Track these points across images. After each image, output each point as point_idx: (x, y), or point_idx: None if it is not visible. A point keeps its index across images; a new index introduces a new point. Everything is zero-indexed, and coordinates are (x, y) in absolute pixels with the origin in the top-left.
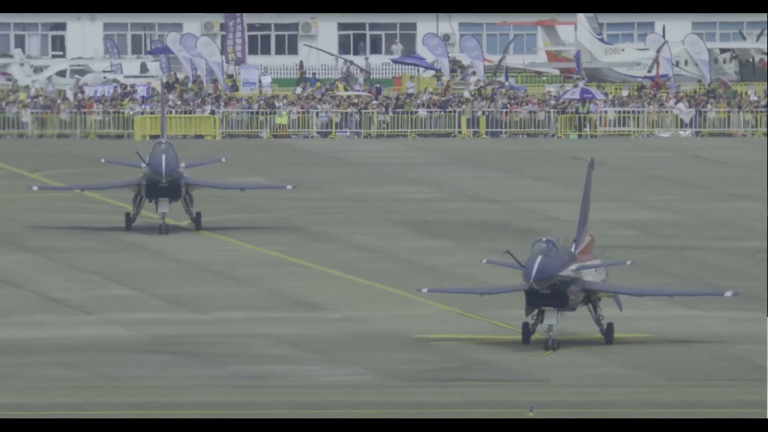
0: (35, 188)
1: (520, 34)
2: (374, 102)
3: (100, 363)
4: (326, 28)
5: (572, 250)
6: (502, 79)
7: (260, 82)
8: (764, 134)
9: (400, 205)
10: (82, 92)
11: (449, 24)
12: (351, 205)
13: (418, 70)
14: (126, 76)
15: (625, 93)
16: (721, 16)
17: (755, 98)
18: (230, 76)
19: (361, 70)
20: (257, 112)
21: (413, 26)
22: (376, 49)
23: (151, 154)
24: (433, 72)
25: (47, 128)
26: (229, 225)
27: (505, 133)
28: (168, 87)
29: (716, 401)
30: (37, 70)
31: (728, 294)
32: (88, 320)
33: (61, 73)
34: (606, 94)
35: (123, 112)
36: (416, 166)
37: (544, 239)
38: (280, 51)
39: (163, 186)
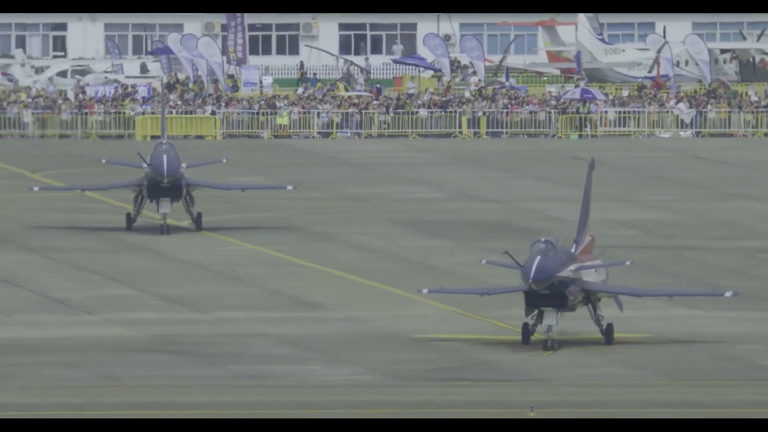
0: (36, 188)
1: (521, 34)
2: (375, 102)
3: (100, 363)
4: (327, 28)
5: (572, 250)
6: (503, 79)
7: (261, 82)
8: (765, 135)
9: (401, 205)
10: (83, 92)
11: (450, 24)
12: (351, 205)
13: (419, 71)
14: (127, 77)
15: (625, 93)
16: (721, 16)
17: (756, 98)
18: (231, 77)
19: (361, 70)
20: (258, 113)
21: (414, 26)
22: (376, 49)
23: (152, 155)
24: (433, 72)
25: (48, 128)
26: (230, 225)
27: (506, 133)
28: (169, 87)
29: (716, 401)
30: (38, 70)
31: (728, 294)
32: (88, 320)
33: (62, 74)
34: (606, 95)
35: (124, 113)
36: (417, 167)
37: (542, 239)
38: (281, 51)
39: (164, 186)
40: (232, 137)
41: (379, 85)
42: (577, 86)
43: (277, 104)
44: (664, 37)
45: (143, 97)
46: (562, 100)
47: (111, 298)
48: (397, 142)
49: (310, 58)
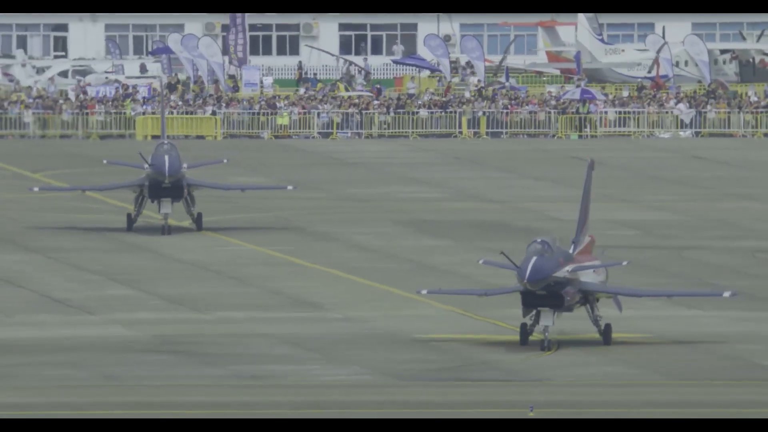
0: (36, 189)
1: (521, 34)
2: (375, 102)
3: (101, 363)
4: (327, 28)
5: (571, 251)
6: (503, 79)
7: (261, 82)
8: (765, 135)
9: (401, 205)
10: (84, 93)
11: (450, 24)
12: (352, 205)
13: (419, 71)
14: (128, 77)
15: (625, 93)
16: (721, 16)
17: (755, 99)
18: (232, 77)
19: (361, 69)
20: (258, 113)
21: (414, 27)
22: (377, 49)
23: (153, 155)
24: (430, 72)
25: (49, 129)
26: (230, 225)
27: (506, 133)
28: (170, 87)
29: (716, 401)
30: (39, 70)
31: (726, 294)
32: (89, 320)
33: (63, 74)
34: (606, 95)
35: (125, 113)
36: (417, 167)
37: (539, 240)
38: (281, 51)
39: (165, 186)
40: (232, 137)
41: (379, 86)
42: (578, 86)
43: (278, 104)
44: (664, 37)
45: (144, 98)
46: (561, 101)
47: (111, 298)
48: (398, 142)
49: (310, 58)
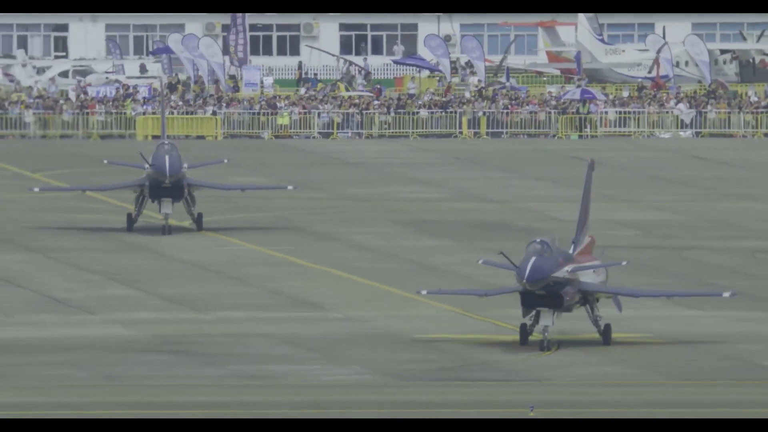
0: (36, 189)
1: (521, 34)
2: (375, 102)
3: (100, 362)
4: (328, 28)
5: (571, 251)
6: (503, 79)
7: (262, 82)
8: (765, 135)
9: (401, 205)
10: (85, 93)
11: (450, 25)
12: (352, 205)
13: (420, 71)
14: (128, 77)
15: (625, 93)
16: (721, 16)
17: (755, 99)
18: (232, 77)
19: (360, 69)
20: (259, 113)
21: (414, 27)
22: (377, 49)
23: (154, 155)
24: (430, 72)
25: (50, 129)
26: (230, 225)
27: (506, 133)
28: (170, 88)
29: (716, 401)
30: (40, 70)
31: (726, 295)
32: (89, 320)
33: (64, 74)
34: (606, 95)
35: (125, 113)
36: (417, 167)
37: (538, 240)
38: (281, 52)
39: (166, 187)
40: (232, 137)
41: (378, 86)
42: (579, 86)
43: (278, 104)
44: (664, 37)
45: (144, 98)
46: (562, 101)
47: (111, 298)
48: (398, 142)
49: (310, 58)
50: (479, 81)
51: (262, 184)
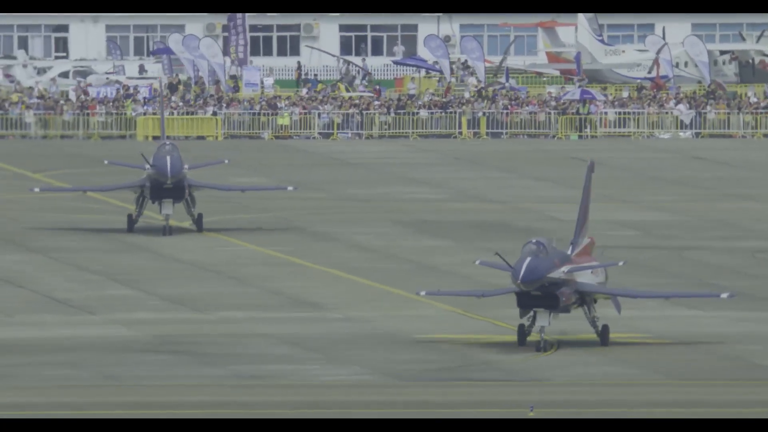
0: (36, 189)
1: (521, 35)
2: (376, 103)
3: (101, 363)
4: (328, 29)
5: (569, 252)
6: (503, 80)
7: (262, 83)
8: (764, 135)
9: (401, 206)
10: (85, 93)
11: (450, 25)
12: (352, 206)
13: (420, 72)
14: (128, 77)
15: (625, 94)
16: (720, 17)
17: (755, 100)
18: (233, 77)
19: (359, 69)
20: (259, 113)
21: (414, 27)
22: (377, 50)
23: (155, 156)
24: (426, 72)
25: (50, 129)
26: (231, 225)
27: (506, 133)
28: (171, 88)
29: (716, 401)
30: (41, 71)
31: (724, 296)
32: (89, 320)
33: (64, 75)
34: (606, 95)
35: (125, 113)
36: (417, 167)
37: (534, 240)
38: (281, 52)
39: (167, 187)
40: (233, 138)
41: (378, 86)
42: (579, 87)
43: (278, 105)
44: (664, 38)
45: (144, 98)
46: (562, 101)
47: (111, 298)
48: (398, 142)
49: (311, 59)
50: (478, 81)
51: (262, 184)
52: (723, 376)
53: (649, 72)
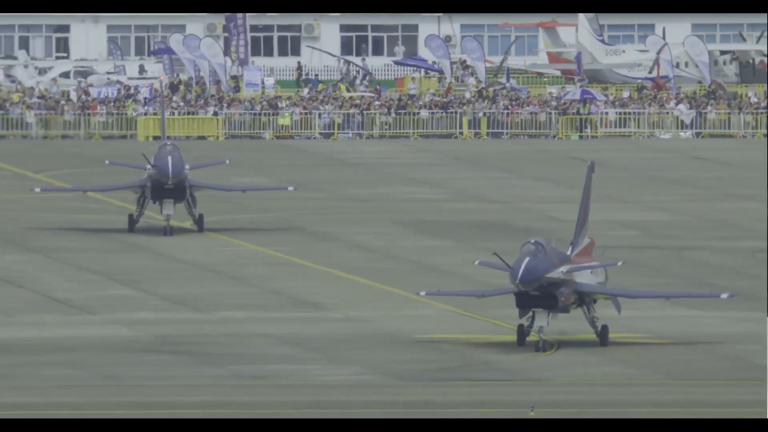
0: (37, 190)
1: (522, 35)
2: (376, 103)
3: (101, 363)
4: (329, 29)
5: (568, 252)
6: (504, 80)
7: (263, 83)
8: (764, 135)
9: (402, 206)
10: (86, 93)
11: (451, 25)
12: (352, 206)
13: (420, 72)
14: (129, 78)
15: (625, 94)
16: (721, 17)
17: (755, 100)
18: (233, 77)
19: (359, 69)
20: (260, 113)
21: (415, 28)
22: (378, 50)
23: (156, 156)
24: (425, 72)
25: (51, 129)
26: (231, 226)
27: (507, 134)
28: (172, 88)
29: (716, 401)
30: (41, 71)
31: (724, 296)
32: (89, 320)
33: (65, 75)
34: (607, 96)
35: (126, 114)
36: (418, 167)
37: (532, 240)
38: (282, 52)
39: (168, 188)
40: (234, 138)
41: (377, 87)
42: (581, 86)
43: (279, 105)
44: (664, 38)
45: (145, 98)
46: (562, 101)
47: (112, 298)
48: (399, 142)
49: (311, 59)
50: (479, 81)
51: (263, 184)
52: (723, 376)
53: (650, 72)
